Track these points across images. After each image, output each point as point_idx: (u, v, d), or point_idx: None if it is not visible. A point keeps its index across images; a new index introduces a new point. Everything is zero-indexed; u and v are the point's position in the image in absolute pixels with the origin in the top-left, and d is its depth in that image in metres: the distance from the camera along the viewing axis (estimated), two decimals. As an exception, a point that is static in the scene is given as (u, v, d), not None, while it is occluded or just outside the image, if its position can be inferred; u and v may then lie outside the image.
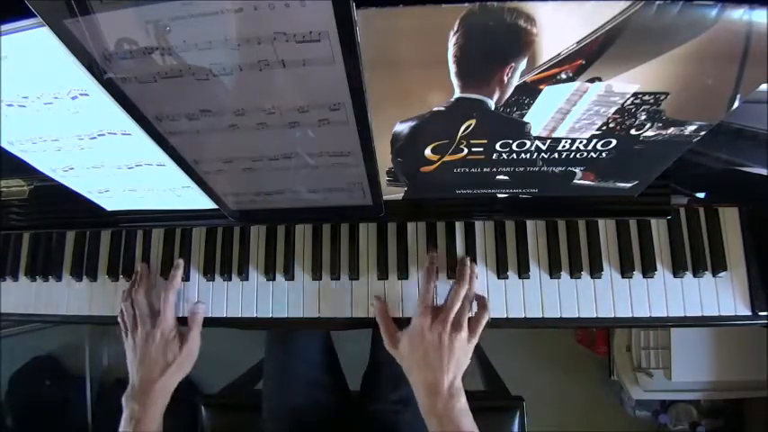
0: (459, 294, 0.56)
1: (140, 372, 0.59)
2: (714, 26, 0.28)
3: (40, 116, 0.41)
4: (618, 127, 0.39)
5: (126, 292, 0.64)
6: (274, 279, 0.65)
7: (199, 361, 0.64)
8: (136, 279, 0.65)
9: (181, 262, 0.66)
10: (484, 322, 0.56)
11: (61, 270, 0.71)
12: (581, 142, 0.42)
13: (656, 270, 0.60)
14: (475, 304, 0.59)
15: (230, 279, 0.66)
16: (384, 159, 0.45)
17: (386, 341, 0.58)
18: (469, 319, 0.56)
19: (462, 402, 0.52)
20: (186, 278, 0.67)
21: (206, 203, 0.54)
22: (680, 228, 0.61)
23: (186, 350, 0.60)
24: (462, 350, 0.54)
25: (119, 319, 0.64)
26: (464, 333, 0.54)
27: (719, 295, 0.60)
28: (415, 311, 0.57)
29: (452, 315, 0.54)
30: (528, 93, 0.35)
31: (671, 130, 0.39)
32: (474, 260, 0.62)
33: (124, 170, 0.50)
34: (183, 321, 0.64)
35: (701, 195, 0.60)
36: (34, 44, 0.32)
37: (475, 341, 0.55)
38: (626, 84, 0.34)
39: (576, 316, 0.60)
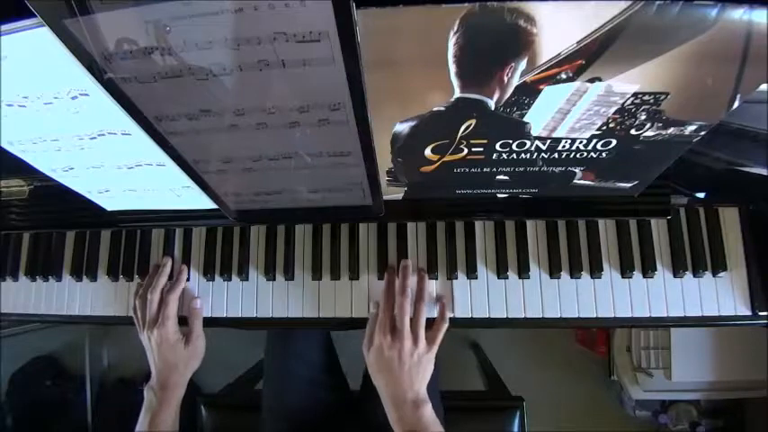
0: (403, 307, 0.56)
1: (155, 367, 0.62)
2: (714, 26, 0.28)
3: (40, 116, 0.41)
4: (618, 127, 0.39)
5: (141, 289, 0.64)
6: (274, 279, 0.65)
7: (199, 361, 0.64)
8: (153, 276, 0.65)
9: (184, 267, 0.66)
10: (442, 332, 0.58)
11: (61, 270, 0.71)
12: (581, 142, 0.42)
13: (655, 270, 0.60)
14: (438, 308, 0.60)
15: (230, 279, 0.66)
16: (384, 159, 0.45)
17: (364, 343, 0.59)
18: (428, 328, 0.57)
19: (428, 411, 0.54)
20: (186, 278, 0.67)
21: (206, 203, 0.54)
22: (680, 228, 0.61)
23: (191, 349, 0.62)
24: (422, 363, 0.56)
25: (133, 314, 0.64)
26: (422, 346, 0.56)
27: (719, 295, 0.60)
28: (372, 324, 0.58)
29: (407, 331, 0.55)
30: (528, 93, 0.35)
31: (671, 130, 0.39)
32: (474, 260, 0.62)
33: (124, 170, 0.50)
34: (183, 320, 0.64)
35: (701, 195, 0.60)
36: (34, 44, 0.32)
37: (434, 350, 0.57)
38: (626, 84, 0.34)
39: (576, 316, 0.60)
